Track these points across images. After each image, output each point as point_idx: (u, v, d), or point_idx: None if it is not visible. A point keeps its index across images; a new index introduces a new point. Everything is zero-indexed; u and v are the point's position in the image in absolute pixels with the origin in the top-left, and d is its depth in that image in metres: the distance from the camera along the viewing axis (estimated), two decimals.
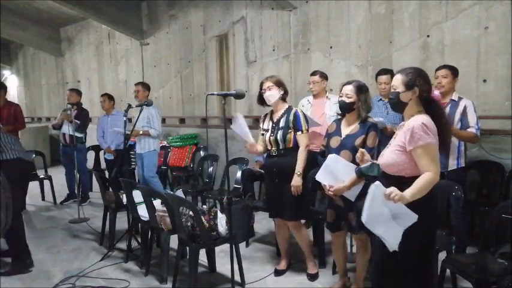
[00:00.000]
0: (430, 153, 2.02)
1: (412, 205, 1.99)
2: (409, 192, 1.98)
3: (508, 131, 3.67)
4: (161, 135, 5.05)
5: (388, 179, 2.15)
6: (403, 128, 2.12)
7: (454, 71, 3.40)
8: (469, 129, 3.30)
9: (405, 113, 2.17)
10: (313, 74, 4.17)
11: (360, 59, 4.67)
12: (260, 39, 5.63)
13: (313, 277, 3.28)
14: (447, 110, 3.38)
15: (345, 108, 2.79)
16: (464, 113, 3.32)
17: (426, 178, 2.01)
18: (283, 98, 3.23)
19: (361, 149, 2.40)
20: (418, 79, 2.09)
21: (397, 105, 2.18)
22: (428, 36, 4.14)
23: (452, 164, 3.39)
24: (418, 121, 2.03)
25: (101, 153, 6.64)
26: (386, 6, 4.41)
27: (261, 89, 3.22)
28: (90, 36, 8.78)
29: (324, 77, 4.16)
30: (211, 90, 6.31)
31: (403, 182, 2.06)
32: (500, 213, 2.58)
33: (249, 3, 5.72)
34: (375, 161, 2.30)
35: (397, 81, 2.14)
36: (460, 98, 3.39)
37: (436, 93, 2.15)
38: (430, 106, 2.11)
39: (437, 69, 3.45)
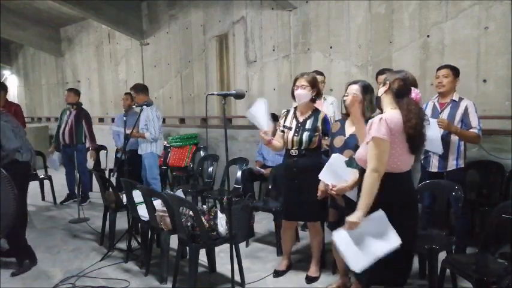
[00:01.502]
0: (375, 147, 2.09)
1: (392, 203, 2.12)
2: (361, 207, 2.11)
3: (508, 131, 3.67)
4: (158, 139, 5.00)
5: (364, 173, 2.23)
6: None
7: (455, 71, 3.39)
8: (471, 130, 3.29)
9: (383, 108, 2.27)
10: (321, 74, 4.16)
11: (360, 59, 4.67)
12: (260, 39, 5.63)
13: (311, 280, 3.24)
14: (448, 110, 3.38)
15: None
16: (465, 113, 3.31)
17: (364, 183, 2.12)
18: (313, 99, 3.14)
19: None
20: (392, 75, 2.21)
21: (377, 100, 2.32)
22: (428, 36, 4.14)
23: (451, 165, 3.39)
24: (380, 116, 2.13)
25: (102, 153, 6.66)
26: (386, 6, 4.41)
27: (294, 84, 3.13)
28: (90, 36, 8.78)
29: (324, 76, 4.23)
30: (211, 90, 6.31)
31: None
32: (500, 213, 2.58)
33: (249, 3, 5.72)
34: (353, 156, 2.42)
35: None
36: (460, 99, 3.38)
37: (416, 91, 2.17)
38: (399, 102, 2.17)
39: (438, 69, 3.45)
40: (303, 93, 3.05)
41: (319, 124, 3.08)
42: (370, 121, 2.19)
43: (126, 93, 5.90)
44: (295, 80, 3.13)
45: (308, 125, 3.09)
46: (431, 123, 3.22)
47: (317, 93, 3.14)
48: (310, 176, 3.00)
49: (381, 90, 2.24)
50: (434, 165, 3.45)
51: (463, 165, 3.42)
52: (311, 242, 3.32)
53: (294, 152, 3.12)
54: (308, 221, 3.26)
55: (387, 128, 2.07)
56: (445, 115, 3.37)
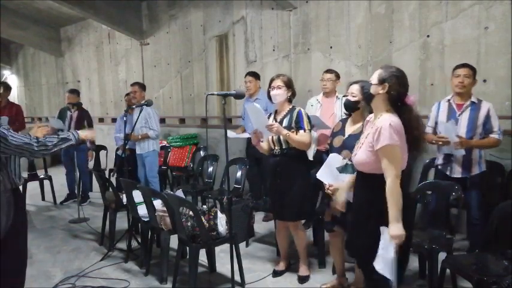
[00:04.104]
0: (391, 154, 2.05)
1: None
2: (392, 219, 2.03)
3: (508, 131, 3.66)
4: (160, 135, 5.04)
5: (362, 177, 2.24)
6: (373, 128, 2.14)
7: (474, 72, 3.27)
8: (492, 135, 3.20)
9: (373, 107, 2.23)
10: (329, 71, 4.16)
11: (360, 59, 4.67)
12: (260, 39, 5.62)
13: (303, 279, 3.25)
14: (467, 112, 3.25)
15: (350, 107, 2.80)
16: (488, 117, 3.20)
17: (390, 191, 2.04)
18: (289, 99, 3.17)
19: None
20: (391, 77, 2.11)
21: (366, 96, 2.26)
22: (428, 36, 4.14)
23: (475, 169, 3.29)
24: (386, 121, 2.06)
25: (102, 153, 6.66)
26: (386, 6, 4.41)
27: (269, 85, 3.17)
28: (90, 36, 8.78)
29: (338, 76, 4.20)
30: (211, 90, 6.31)
31: (375, 180, 2.12)
32: (500, 213, 2.58)
33: (249, 3, 5.72)
34: (349, 162, 2.42)
35: (375, 74, 2.20)
36: (480, 101, 3.27)
37: (411, 98, 2.14)
38: (398, 107, 2.13)
39: (457, 67, 3.29)
40: (278, 93, 3.10)
41: (293, 120, 3.09)
42: (373, 130, 2.11)
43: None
44: (271, 81, 3.17)
45: (284, 123, 3.11)
46: (446, 126, 3.16)
47: (292, 93, 3.17)
48: (291, 176, 3.06)
49: (375, 89, 2.15)
50: (457, 171, 3.31)
51: (485, 169, 3.33)
52: (295, 241, 3.33)
53: (276, 151, 3.16)
54: (288, 220, 3.24)
55: (397, 133, 2.04)
56: (464, 117, 3.25)
